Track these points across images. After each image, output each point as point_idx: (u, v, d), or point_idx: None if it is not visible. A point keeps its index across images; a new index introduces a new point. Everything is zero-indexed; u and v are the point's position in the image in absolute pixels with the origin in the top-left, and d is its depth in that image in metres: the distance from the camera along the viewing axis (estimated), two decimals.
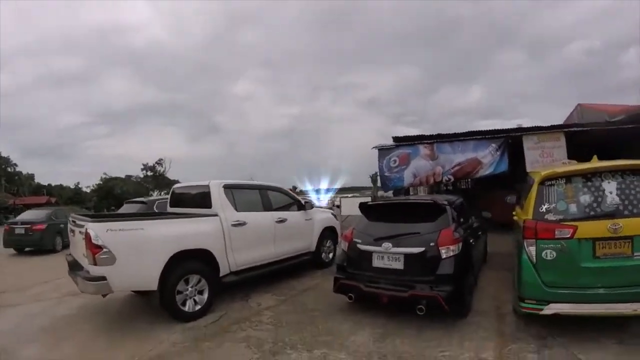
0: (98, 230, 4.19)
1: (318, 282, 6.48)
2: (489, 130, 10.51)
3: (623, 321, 3.80)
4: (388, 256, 4.38)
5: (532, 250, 3.69)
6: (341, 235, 5.11)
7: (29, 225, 12.34)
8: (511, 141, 10.21)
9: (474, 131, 10.75)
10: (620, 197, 3.54)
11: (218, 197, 5.54)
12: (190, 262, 4.90)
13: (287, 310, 5.07)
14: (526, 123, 12.49)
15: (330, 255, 7.76)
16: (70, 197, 69.44)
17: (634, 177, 3.57)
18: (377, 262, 4.45)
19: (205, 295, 4.98)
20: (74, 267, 4.95)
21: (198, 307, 4.90)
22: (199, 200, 5.78)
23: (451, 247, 4.17)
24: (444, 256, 4.13)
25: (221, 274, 5.25)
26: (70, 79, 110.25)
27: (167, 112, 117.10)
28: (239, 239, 5.46)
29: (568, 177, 3.82)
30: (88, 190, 72.78)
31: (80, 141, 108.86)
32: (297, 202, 7.03)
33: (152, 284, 4.51)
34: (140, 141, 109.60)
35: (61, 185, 73.12)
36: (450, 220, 4.53)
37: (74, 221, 4.97)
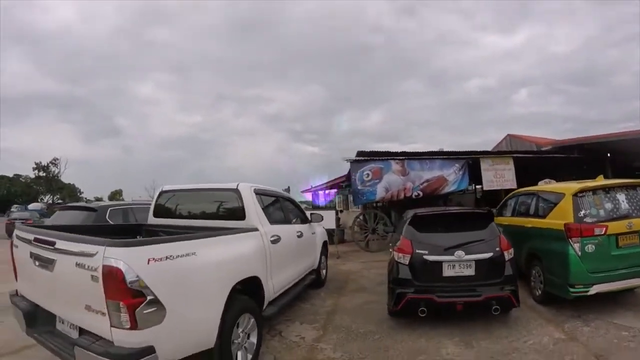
0: (134, 262, 2.37)
1: (334, 301, 5.98)
2: (452, 151, 11.66)
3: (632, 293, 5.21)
4: (460, 264, 4.40)
5: (577, 246, 4.61)
6: (394, 248, 4.87)
7: (24, 220, 18.42)
8: (471, 162, 11.22)
9: (436, 151, 11.72)
10: (629, 204, 4.81)
11: (253, 205, 4.36)
12: (241, 296, 3.52)
13: (342, 339, 4.43)
14: (422, 148, 14.30)
15: (324, 272, 7.02)
16: None
17: (635, 191, 4.92)
18: (447, 272, 4.42)
19: (255, 339, 3.61)
20: (44, 322, 3.06)
21: (250, 356, 3.52)
22: (221, 209, 4.68)
23: (510, 251, 4.56)
24: (507, 259, 4.50)
25: (264, 306, 4.07)
26: None
27: (63, 106, 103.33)
28: (276, 258, 4.39)
29: (594, 190, 4.92)
30: None
31: None
32: (302, 213, 6.39)
33: (210, 339, 2.97)
34: (31, 135, 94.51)
35: None
36: (496, 227, 4.85)
37: (40, 239, 2.91)
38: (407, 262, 4.63)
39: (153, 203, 5.16)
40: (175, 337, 2.63)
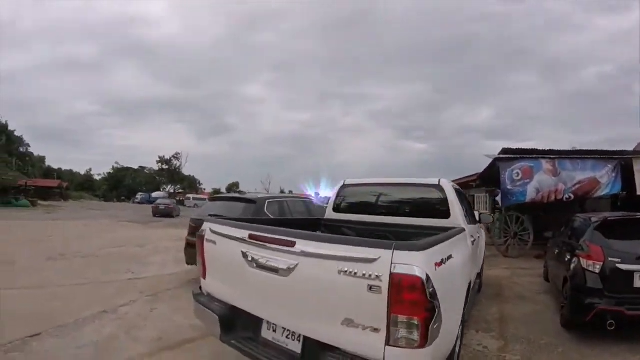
0: (429, 268, 2.01)
1: (499, 309, 5.61)
2: (603, 150, 10.35)
3: None
4: None
5: None
6: (585, 255, 4.59)
7: (167, 204, 27.88)
8: (623, 163, 9.98)
9: (586, 150, 10.60)
10: None
11: (456, 202, 4.12)
12: None
13: (527, 350, 4.14)
14: (536, 146, 12.69)
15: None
16: (81, 184, 68.90)
17: None
18: (638, 282, 4.08)
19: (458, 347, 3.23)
20: (244, 328, 2.71)
21: None
22: (420, 205, 4.40)
23: None
24: None
25: None
26: (84, 66, 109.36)
27: (177, 108, 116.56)
28: (475, 260, 4.22)
29: None
30: (98, 178, 72.33)
31: (91, 129, 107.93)
32: (473, 212, 5.82)
33: (450, 348, 2.57)
34: (150, 135, 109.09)
35: (71, 170, 72.52)
36: None
37: (267, 238, 2.51)
38: (597, 271, 4.29)
39: (333, 197, 5.02)
40: (442, 351, 2.28)
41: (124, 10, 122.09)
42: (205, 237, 3.09)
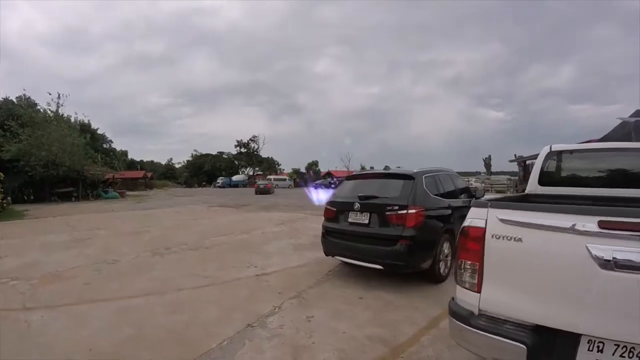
0: None
1: None
2: None
3: None
4: None
5: None
6: None
7: (266, 184, 36.25)
8: None
9: None
10: None
11: None
12: None
13: None
14: (623, 110, 9.23)
15: None
16: (163, 173, 73.41)
17: None
18: None
19: None
20: (559, 354, 2.00)
21: None
22: None
23: None
24: None
25: None
26: (154, 61, 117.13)
27: (248, 92, 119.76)
28: None
29: None
30: (178, 166, 76.44)
31: (166, 120, 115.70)
32: None
33: None
34: (224, 120, 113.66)
35: (152, 161, 77.44)
36: None
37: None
38: None
39: (538, 167, 4.17)
40: None
41: (187, 4, 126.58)
42: (488, 231, 2.21)
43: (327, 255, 5.71)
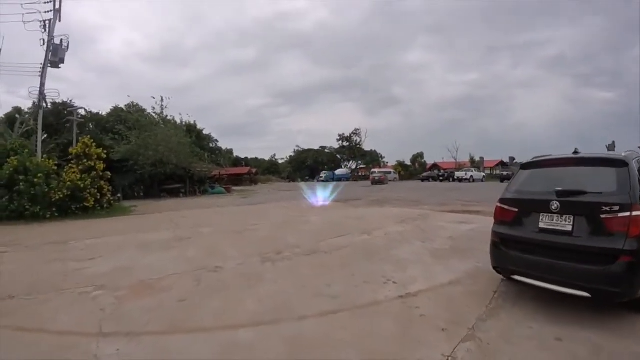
0: None
1: None
2: None
3: None
4: None
5: None
6: None
7: (380, 175, 40.39)
8: None
9: None
10: None
11: None
12: None
13: None
14: None
15: None
16: (267, 168, 76.87)
17: None
18: None
19: None
20: None
21: None
22: None
23: None
24: None
25: None
26: (249, 65, 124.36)
27: (342, 89, 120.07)
28: None
29: None
30: (281, 162, 79.49)
31: (266, 119, 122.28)
32: None
33: None
34: (320, 117, 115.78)
35: (256, 157, 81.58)
36: None
37: None
38: None
39: None
40: None
41: (273, 9, 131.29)
42: None
43: (499, 273, 4.09)
